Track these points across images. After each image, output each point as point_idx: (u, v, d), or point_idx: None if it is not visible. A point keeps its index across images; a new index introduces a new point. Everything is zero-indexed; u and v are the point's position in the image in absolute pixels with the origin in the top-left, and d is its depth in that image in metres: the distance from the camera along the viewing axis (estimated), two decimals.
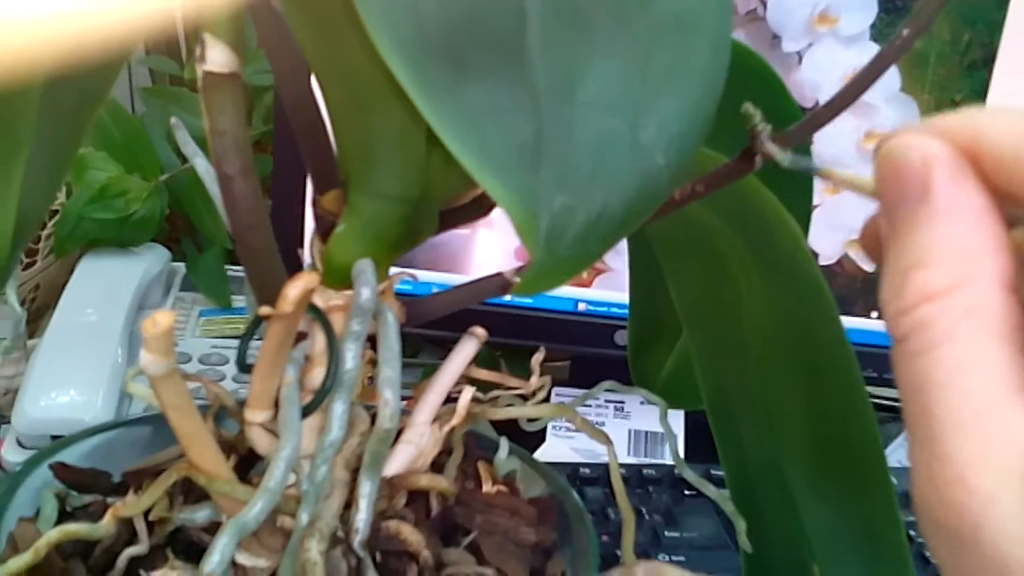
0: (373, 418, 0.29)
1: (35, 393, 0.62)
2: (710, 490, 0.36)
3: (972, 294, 0.20)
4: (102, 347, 0.65)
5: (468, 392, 0.32)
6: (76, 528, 0.25)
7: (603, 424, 0.76)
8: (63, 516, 0.30)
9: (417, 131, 0.26)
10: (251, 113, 0.82)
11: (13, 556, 0.26)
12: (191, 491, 0.29)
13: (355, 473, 0.28)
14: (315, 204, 0.28)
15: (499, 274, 0.29)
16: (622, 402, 0.77)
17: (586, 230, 0.19)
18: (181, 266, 0.82)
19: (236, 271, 0.80)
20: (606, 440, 0.35)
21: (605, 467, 0.69)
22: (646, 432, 0.75)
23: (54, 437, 0.60)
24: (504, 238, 0.69)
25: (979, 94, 0.62)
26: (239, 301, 0.80)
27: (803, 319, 0.33)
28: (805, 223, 0.44)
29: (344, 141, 0.28)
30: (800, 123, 0.27)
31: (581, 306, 0.72)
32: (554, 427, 0.76)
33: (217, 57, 0.22)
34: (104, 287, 0.71)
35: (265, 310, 0.24)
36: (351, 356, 0.28)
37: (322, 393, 0.27)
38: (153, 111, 0.80)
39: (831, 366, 0.32)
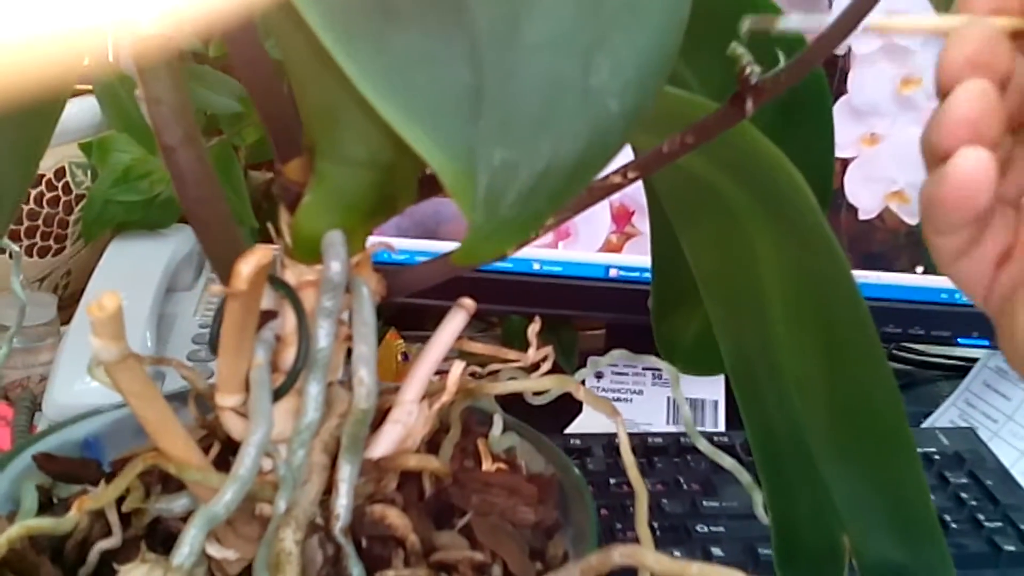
0: None
1: (64, 379, 0.61)
2: (725, 460, 0.34)
3: None
4: (130, 330, 0.65)
5: (457, 367, 0.30)
6: (39, 523, 0.24)
7: (641, 392, 0.74)
8: (47, 507, 0.29)
9: None
10: None
11: None
12: (170, 480, 0.28)
13: (335, 457, 0.27)
14: (278, 174, 0.26)
15: None
16: (659, 369, 0.75)
17: (531, 187, 0.17)
18: None
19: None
20: (613, 412, 0.33)
21: (644, 437, 0.67)
22: (687, 399, 0.73)
23: None
24: None
25: None
26: None
27: (817, 275, 0.31)
28: (827, 172, 0.41)
29: (307, 103, 0.26)
30: (792, 61, 0.25)
31: (613, 272, 0.70)
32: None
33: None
34: (132, 270, 0.70)
35: (216, 289, 0.23)
36: (323, 334, 0.26)
37: (293, 374, 0.26)
38: None
39: (847, 325, 0.30)
